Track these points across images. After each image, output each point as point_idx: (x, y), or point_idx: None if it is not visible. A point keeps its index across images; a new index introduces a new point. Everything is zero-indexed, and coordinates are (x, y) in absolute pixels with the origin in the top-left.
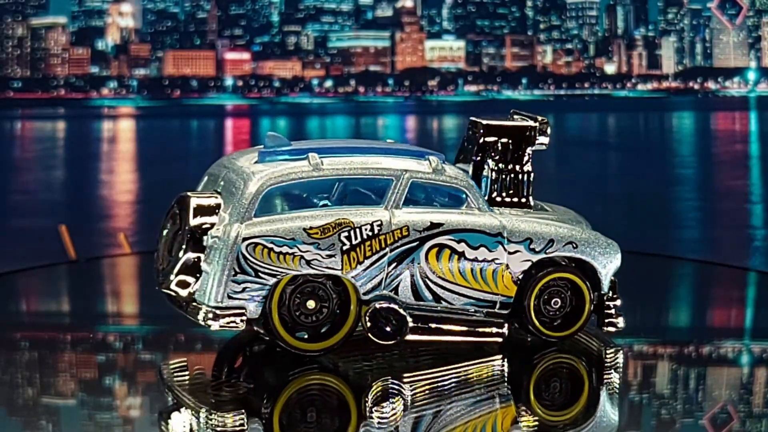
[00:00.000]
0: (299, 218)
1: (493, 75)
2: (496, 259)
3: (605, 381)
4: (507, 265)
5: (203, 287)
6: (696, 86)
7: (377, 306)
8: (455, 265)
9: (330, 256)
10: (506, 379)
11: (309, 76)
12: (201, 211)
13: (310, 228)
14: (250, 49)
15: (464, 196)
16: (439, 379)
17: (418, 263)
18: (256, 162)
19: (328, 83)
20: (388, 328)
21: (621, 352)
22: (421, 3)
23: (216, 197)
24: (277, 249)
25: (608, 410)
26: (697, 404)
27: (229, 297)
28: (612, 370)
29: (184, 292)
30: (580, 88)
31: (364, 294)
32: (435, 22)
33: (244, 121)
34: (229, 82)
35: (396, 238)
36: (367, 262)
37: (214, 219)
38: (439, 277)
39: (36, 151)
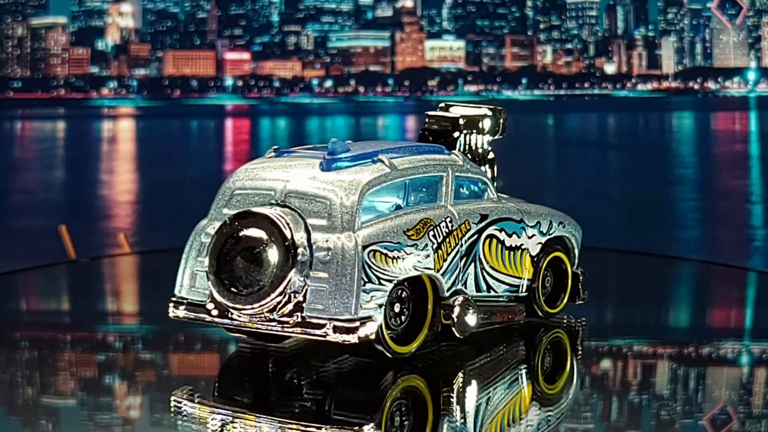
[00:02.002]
0: (394, 221)
1: (493, 75)
2: (522, 244)
3: (583, 351)
4: (527, 249)
5: (320, 301)
6: (696, 86)
7: (461, 300)
8: (500, 253)
9: (427, 256)
10: (524, 360)
11: (309, 76)
12: (293, 226)
13: (408, 230)
14: (250, 49)
15: (483, 186)
16: (483, 366)
17: (479, 256)
18: (323, 170)
19: (328, 83)
20: (467, 323)
21: (585, 321)
22: (421, 3)
23: (290, 211)
24: (390, 254)
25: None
26: (696, 405)
27: (362, 308)
28: (582, 338)
29: (283, 310)
30: (580, 88)
31: (447, 291)
32: (435, 22)
33: (244, 121)
34: (229, 82)
35: (463, 232)
36: (449, 259)
37: (301, 233)
38: (491, 267)
39: (36, 151)
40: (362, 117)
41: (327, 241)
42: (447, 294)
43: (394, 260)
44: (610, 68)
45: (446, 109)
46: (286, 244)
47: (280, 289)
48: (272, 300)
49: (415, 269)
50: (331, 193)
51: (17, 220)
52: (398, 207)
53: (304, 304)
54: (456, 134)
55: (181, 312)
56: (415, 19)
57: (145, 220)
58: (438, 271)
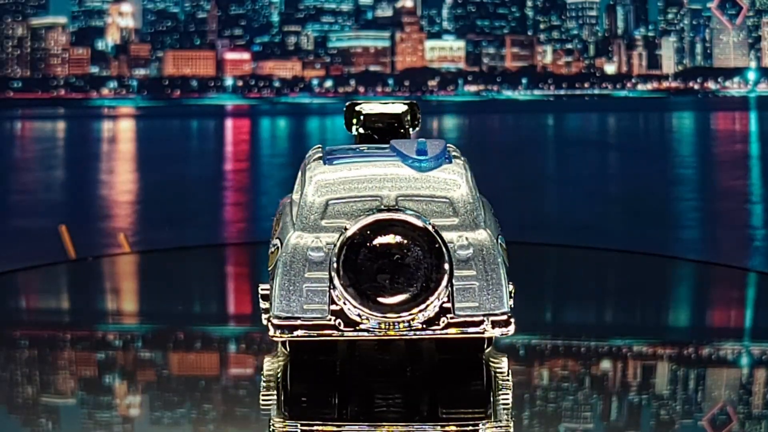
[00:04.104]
0: (486, 214)
1: (493, 75)
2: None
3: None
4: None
5: (471, 299)
6: (696, 86)
7: (513, 288)
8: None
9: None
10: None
11: (309, 76)
12: (438, 230)
13: (496, 221)
14: (250, 49)
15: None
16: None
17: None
18: (419, 170)
19: (328, 83)
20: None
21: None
22: (421, 3)
23: (417, 214)
24: (504, 245)
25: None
26: (696, 405)
27: (509, 301)
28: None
29: (429, 314)
30: (580, 88)
31: None
32: (435, 22)
33: (244, 121)
34: (229, 82)
35: (497, 221)
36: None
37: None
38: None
39: (36, 151)
40: None
41: (465, 238)
42: None
43: (506, 251)
44: (610, 68)
45: (353, 106)
46: (437, 246)
47: (437, 293)
48: (430, 305)
49: (509, 258)
50: (450, 192)
51: (17, 220)
52: None
53: (448, 305)
54: (402, 130)
55: (299, 332)
56: (415, 19)
57: (145, 220)
58: None
